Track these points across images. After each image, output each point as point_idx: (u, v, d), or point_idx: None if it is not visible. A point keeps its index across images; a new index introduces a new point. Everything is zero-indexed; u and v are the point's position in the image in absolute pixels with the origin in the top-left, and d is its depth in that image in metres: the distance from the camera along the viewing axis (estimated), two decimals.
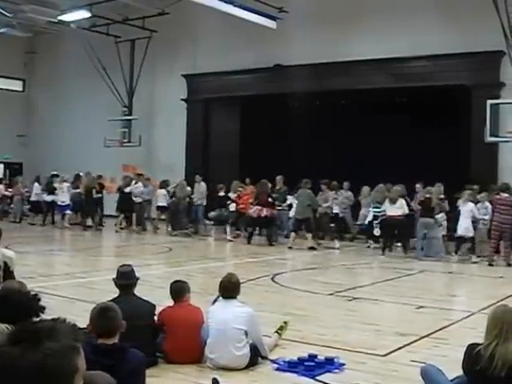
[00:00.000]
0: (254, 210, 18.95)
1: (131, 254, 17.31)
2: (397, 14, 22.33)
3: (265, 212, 18.80)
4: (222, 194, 20.94)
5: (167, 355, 6.64)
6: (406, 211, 17.29)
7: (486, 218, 16.52)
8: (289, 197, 20.59)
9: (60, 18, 24.17)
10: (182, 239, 20.33)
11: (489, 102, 19.48)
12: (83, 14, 23.89)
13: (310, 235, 18.50)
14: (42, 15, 24.48)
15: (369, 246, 18.86)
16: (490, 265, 15.75)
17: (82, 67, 27.69)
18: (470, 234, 16.51)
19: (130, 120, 27.69)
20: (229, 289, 6.70)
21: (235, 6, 21.31)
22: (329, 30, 23.13)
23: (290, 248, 18.19)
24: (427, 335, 8.07)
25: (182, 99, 27.32)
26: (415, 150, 22.15)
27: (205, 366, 6.56)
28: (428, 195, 17.08)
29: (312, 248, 18.17)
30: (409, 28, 21.97)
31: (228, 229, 20.21)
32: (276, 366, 6.62)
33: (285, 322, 7.78)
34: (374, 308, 10.25)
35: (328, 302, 10.62)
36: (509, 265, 15.67)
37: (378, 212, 18.37)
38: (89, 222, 22.62)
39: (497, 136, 19.52)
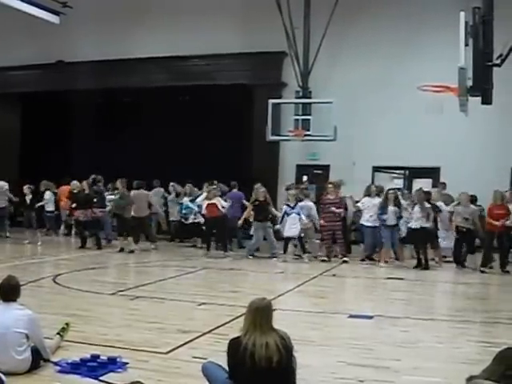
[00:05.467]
0: (81, 212, 18.41)
1: None
2: (180, 12, 22.64)
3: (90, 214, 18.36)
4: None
5: None
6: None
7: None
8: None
9: None
10: None
11: (270, 101, 20.27)
12: None
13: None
14: None
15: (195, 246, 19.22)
16: (324, 260, 16.43)
17: None
18: (296, 233, 16.75)
19: None
20: (8, 292, 6.46)
21: None
22: (113, 27, 23.01)
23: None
24: (209, 331, 8.25)
25: None
26: (198, 148, 22.51)
27: None
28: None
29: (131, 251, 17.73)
30: (192, 27, 22.35)
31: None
32: (58, 368, 6.49)
33: (67, 324, 7.63)
34: (157, 306, 10.29)
35: (110, 301, 10.54)
36: (344, 262, 16.41)
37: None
38: None
39: (278, 135, 20.36)
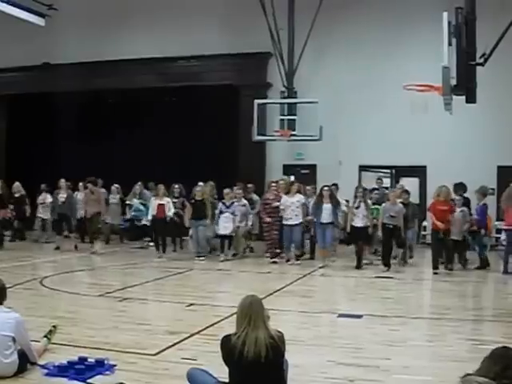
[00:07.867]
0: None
1: None
2: (166, 13, 22.64)
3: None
4: None
5: None
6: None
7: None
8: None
9: None
10: None
11: (256, 101, 20.24)
12: None
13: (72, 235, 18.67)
14: None
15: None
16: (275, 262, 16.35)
17: None
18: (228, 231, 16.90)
19: None
20: None
21: (1, 0, 20.32)
22: (99, 28, 22.95)
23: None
24: (197, 332, 8.23)
25: None
26: (184, 149, 22.47)
27: None
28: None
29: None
30: (177, 28, 22.36)
31: None
32: (46, 371, 6.44)
33: (54, 326, 7.59)
34: (145, 308, 10.28)
35: (98, 303, 10.50)
36: (274, 262, 16.32)
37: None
38: None
39: (264, 135, 20.35)
